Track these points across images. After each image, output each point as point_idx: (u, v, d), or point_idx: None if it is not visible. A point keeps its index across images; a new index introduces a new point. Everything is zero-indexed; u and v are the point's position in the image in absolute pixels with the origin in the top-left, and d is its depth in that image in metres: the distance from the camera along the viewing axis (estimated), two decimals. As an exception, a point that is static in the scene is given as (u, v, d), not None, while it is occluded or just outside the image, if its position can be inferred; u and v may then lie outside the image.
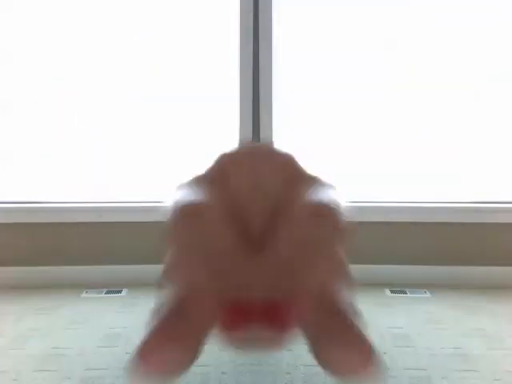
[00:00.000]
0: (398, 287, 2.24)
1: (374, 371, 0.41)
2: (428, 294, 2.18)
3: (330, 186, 0.39)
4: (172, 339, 0.36)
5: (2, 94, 2.21)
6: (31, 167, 2.27)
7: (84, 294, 2.18)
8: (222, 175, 0.33)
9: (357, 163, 2.27)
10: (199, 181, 0.35)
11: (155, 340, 0.37)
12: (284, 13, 2.16)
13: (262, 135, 2.17)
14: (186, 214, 0.34)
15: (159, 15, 2.18)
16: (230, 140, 2.17)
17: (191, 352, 0.36)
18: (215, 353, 1.68)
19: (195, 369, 1.58)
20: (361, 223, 2.26)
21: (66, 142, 2.25)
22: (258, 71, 2.17)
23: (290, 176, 0.33)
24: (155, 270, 2.16)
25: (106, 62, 2.20)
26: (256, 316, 0.33)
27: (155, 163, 2.27)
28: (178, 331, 0.36)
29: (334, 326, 0.40)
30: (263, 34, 2.14)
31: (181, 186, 0.39)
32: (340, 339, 0.40)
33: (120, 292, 2.20)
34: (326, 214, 0.35)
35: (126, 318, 1.96)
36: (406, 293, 2.19)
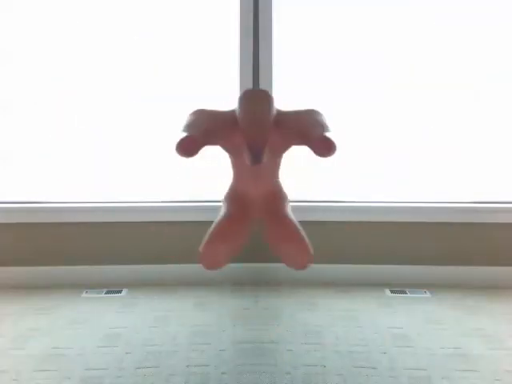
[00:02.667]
0: (398, 287, 2.24)
1: (310, 263, 1.23)
2: (428, 294, 2.18)
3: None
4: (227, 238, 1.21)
5: (2, 94, 2.21)
6: (31, 167, 2.27)
7: (84, 294, 2.18)
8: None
9: (357, 163, 2.27)
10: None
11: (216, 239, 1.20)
12: (284, 13, 2.16)
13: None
14: None
15: (159, 15, 2.18)
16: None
17: (240, 246, 1.20)
18: (215, 353, 1.68)
19: (195, 369, 1.59)
20: (361, 223, 2.27)
21: (66, 142, 2.25)
22: (257, 71, 2.17)
23: None
24: (155, 269, 2.18)
25: (106, 62, 2.19)
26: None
27: (155, 163, 2.27)
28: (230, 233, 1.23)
29: (284, 229, 1.26)
30: (263, 33, 2.14)
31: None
32: (287, 238, 1.26)
33: (120, 292, 2.20)
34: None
35: (126, 318, 1.96)
36: (406, 293, 2.19)
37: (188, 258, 2.24)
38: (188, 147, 1.22)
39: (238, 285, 2.24)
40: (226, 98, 2.19)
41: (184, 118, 1.34)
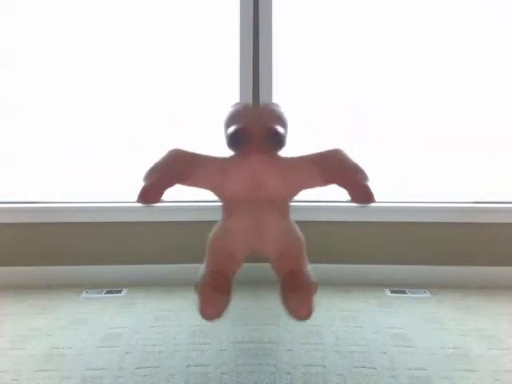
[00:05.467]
0: (398, 287, 2.24)
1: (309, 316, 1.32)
2: (428, 294, 2.18)
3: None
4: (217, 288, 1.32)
5: (3, 95, 2.21)
6: (31, 167, 2.27)
7: (84, 294, 2.18)
8: None
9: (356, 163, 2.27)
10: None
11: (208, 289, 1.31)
12: (284, 12, 2.16)
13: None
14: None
15: (159, 15, 2.18)
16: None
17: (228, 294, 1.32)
18: (215, 353, 1.68)
19: (195, 369, 1.59)
20: (361, 223, 2.27)
21: (66, 142, 2.25)
22: (257, 71, 2.17)
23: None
24: (155, 269, 2.18)
25: (106, 62, 2.19)
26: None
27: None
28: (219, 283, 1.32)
29: (296, 286, 1.33)
30: (263, 33, 2.14)
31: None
32: (292, 289, 1.33)
33: (120, 292, 2.20)
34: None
35: (126, 317, 1.96)
36: (405, 293, 2.19)
37: (188, 257, 2.23)
38: (147, 197, 1.31)
39: (238, 285, 2.23)
40: (226, 98, 2.20)
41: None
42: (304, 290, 1.31)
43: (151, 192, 1.28)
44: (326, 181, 1.35)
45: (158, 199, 1.30)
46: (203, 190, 1.40)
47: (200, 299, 1.31)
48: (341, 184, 1.30)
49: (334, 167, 1.34)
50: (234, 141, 1.31)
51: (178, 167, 1.36)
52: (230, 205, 1.41)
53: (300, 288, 1.31)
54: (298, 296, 1.30)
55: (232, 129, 1.30)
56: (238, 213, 1.39)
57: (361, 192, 1.26)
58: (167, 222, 2.26)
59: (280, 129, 1.32)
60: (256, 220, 1.37)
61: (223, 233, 1.43)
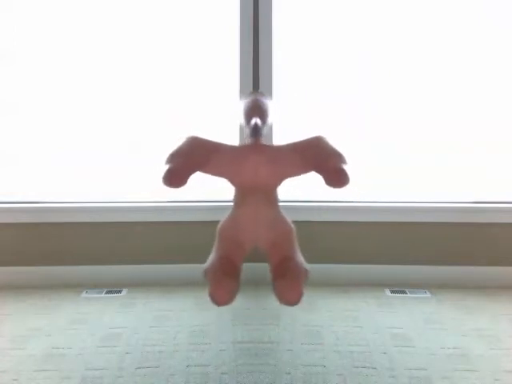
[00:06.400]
0: (398, 287, 2.24)
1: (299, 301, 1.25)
2: (428, 294, 2.18)
3: None
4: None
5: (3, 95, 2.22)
6: (31, 167, 2.27)
7: (84, 294, 2.18)
8: None
9: (357, 163, 2.27)
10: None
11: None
12: (284, 12, 2.16)
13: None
14: None
15: (159, 15, 2.17)
16: (230, 138, 2.16)
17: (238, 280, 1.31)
18: (215, 353, 1.68)
19: (195, 369, 1.59)
20: (361, 223, 2.27)
21: (66, 142, 2.25)
22: (257, 71, 2.17)
23: None
24: (155, 269, 2.18)
25: (106, 62, 2.19)
26: None
27: (155, 164, 2.26)
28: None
29: (285, 271, 1.33)
30: (263, 33, 2.14)
31: None
32: (282, 275, 1.31)
33: (120, 292, 2.20)
34: None
35: (126, 317, 1.96)
36: (405, 293, 2.19)
37: (188, 257, 2.24)
38: (174, 180, 1.27)
39: (238, 285, 2.23)
40: (226, 99, 2.20)
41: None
42: (292, 274, 1.31)
43: (177, 175, 1.28)
44: (306, 168, 1.36)
45: (183, 182, 1.28)
46: (218, 177, 1.41)
47: (211, 284, 1.31)
48: (318, 170, 1.30)
49: (314, 154, 1.36)
50: (254, 132, 1.33)
51: (197, 154, 1.37)
52: (239, 194, 1.42)
53: (288, 273, 1.31)
54: (286, 281, 1.30)
55: (254, 120, 1.33)
56: (244, 202, 1.40)
57: (335, 175, 1.26)
58: (167, 222, 2.26)
59: (258, 121, 1.33)
60: (256, 209, 1.39)
61: (232, 221, 1.44)
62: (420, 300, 2.13)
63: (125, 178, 2.28)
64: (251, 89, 2.16)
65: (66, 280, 2.26)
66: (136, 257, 2.28)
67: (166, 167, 1.28)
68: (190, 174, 1.30)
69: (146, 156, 2.26)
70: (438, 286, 2.24)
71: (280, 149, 1.40)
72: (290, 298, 1.27)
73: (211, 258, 1.40)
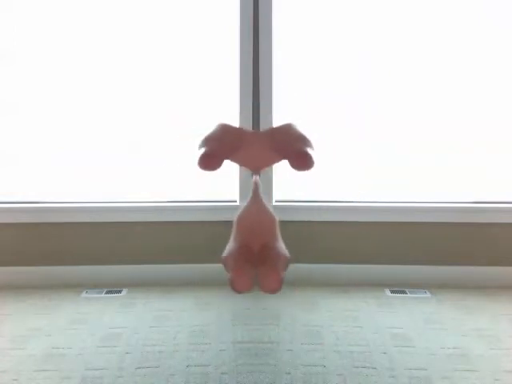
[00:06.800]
0: (398, 287, 2.24)
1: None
2: (428, 294, 2.18)
3: None
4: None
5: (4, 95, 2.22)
6: (31, 167, 2.27)
7: (84, 294, 2.18)
8: None
9: (357, 163, 2.27)
10: None
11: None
12: (284, 12, 2.16)
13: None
14: None
15: (159, 15, 2.17)
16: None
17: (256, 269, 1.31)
18: (215, 353, 1.68)
19: (195, 369, 1.59)
20: (361, 223, 2.27)
21: (66, 142, 2.25)
22: (257, 71, 2.17)
23: None
24: (155, 269, 2.19)
25: (106, 62, 2.19)
26: None
27: (155, 164, 2.26)
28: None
29: (265, 259, 1.32)
30: (263, 33, 2.14)
31: None
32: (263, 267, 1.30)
33: (120, 292, 2.20)
34: None
35: (126, 317, 1.96)
36: (405, 293, 2.19)
37: (188, 257, 2.24)
38: (209, 163, 1.29)
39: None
40: (226, 98, 2.20)
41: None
42: (272, 261, 1.32)
43: (213, 157, 1.29)
44: (276, 153, 1.37)
45: (218, 165, 1.29)
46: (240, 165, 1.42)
47: (232, 271, 1.32)
48: (285, 155, 1.32)
49: (282, 140, 1.37)
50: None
51: (228, 141, 1.38)
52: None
53: (268, 260, 1.33)
54: (266, 268, 1.31)
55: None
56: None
57: (299, 157, 1.27)
58: (167, 222, 2.26)
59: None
60: (254, 200, 1.40)
61: (246, 211, 1.45)
62: (420, 300, 2.13)
63: (125, 178, 2.28)
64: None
65: (66, 280, 2.26)
66: (136, 257, 2.28)
67: (200, 151, 1.29)
68: (225, 158, 1.31)
69: (146, 156, 2.26)
70: (438, 286, 2.24)
71: (257, 134, 1.43)
72: (269, 284, 1.29)
73: (229, 246, 1.41)
